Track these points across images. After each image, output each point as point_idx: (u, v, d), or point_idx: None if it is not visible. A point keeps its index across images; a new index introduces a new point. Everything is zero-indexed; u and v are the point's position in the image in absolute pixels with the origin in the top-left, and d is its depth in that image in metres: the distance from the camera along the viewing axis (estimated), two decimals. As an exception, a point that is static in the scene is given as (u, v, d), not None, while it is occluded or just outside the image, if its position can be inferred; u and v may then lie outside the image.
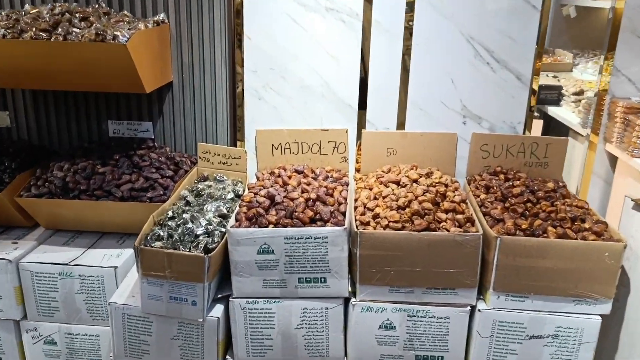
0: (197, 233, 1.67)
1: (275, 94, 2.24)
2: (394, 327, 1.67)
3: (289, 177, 1.90)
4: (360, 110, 2.23)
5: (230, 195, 1.95)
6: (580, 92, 2.93)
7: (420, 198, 1.72)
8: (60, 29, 1.81)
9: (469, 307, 1.65)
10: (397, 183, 1.85)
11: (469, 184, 1.96)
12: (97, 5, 2.11)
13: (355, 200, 1.81)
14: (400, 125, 2.24)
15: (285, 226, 1.63)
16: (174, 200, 1.90)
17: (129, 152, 2.12)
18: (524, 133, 2.20)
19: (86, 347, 1.95)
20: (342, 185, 1.88)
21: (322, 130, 2.02)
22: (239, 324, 1.69)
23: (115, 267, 1.85)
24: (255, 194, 1.80)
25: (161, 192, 1.97)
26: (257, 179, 1.97)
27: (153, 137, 2.34)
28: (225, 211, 1.81)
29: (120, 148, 2.17)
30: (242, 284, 1.66)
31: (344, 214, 1.71)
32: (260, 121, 2.25)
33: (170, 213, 1.79)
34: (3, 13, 1.95)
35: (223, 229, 1.70)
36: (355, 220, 1.68)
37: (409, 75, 2.18)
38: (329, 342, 1.71)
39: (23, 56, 1.82)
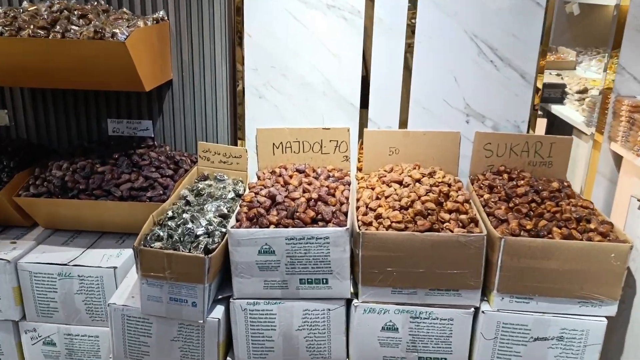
0: (197, 233, 1.65)
1: (276, 92, 2.22)
2: (397, 328, 1.65)
3: (290, 177, 1.88)
4: (362, 109, 2.21)
5: (231, 195, 1.93)
6: (584, 91, 2.90)
7: (423, 198, 1.70)
8: (58, 27, 1.79)
9: (472, 309, 1.63)
10: (400, 183, 1.83)
11: (472, 184, 1.94)
12: (95, 3, 2.09)
13: (357, 200, 1.79)
14: (403, 123, 2.22)
15: (286, 226, 1.61)
16: (173, 199, 1.89)
17: (128, 151, 2.10)
18: (527, 132, 2.18)
19: (85, 348, 1.93)
20: (344, 185, 1.86)
21: (323, 129, 2.00)
22: (239, 326, 1.67)
23: (115, 268, 1.83)
24: (256, 193, 1.78)
25: (161, 192, 1.95)
26: (258, 178, 1.95)
27: (153, 135, 2.32)
28: (225, 211, 1.79)
29: (120, 147, 2.15)
30: (242, 285, 1.64)
31: (345, 214, 1.69)
32: (261, 120, 2.24)
33: (170, 213, 1.78)
34: (0, 10, 1.94)
35: (223, 229, 1.68)
36: (358, 220, 1.66)
37: (411, 74, 2.16)
38: (331, 344, 1.69)
39: (21, 54, 1.80)
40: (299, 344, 1.69)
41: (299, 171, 1.93)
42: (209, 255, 1.55)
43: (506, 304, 1.61)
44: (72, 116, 2.34)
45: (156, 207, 1.79)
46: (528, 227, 1.62)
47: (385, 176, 1.89)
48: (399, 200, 1.70)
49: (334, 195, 1.76)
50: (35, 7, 1.95)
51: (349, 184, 1.89)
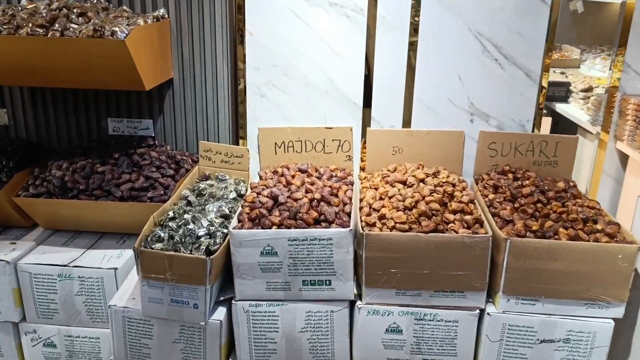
0: (199, 234, 1.63)
1: (278, 91, 2.20)
2: (401, 330, 1.63)
3: (293, 177, 1.85)
4: (365, 108, 2.19)
5: (233, 195, 1.91)
6: (589, 89, 2.88)
7: (427, 198, 1.68)
8: (57, 25, 1.78)
9: (477, 311, 1.61)
10: (404, 183, 1.81)
11: (477, 184, 1.92)
12: (95, 1, 2.07)
13: (361, 200, 1.77)
14: (406, 123, 2.20)
15: (289, 227, 1.59)
16: (174, 200, 1.87)
17: (128, 150, 2.08)
18: (532, 131, 2.16)
19: (86, 349, 1.91)
20: (347, 185, 1.84)
21: (326, 128, 1.98)
22: (242, 328, 1.65)
23: (115, 269, 1.81)
24: (258, 193, 1.76)
25: (162, 192, 1.93)
26: (260, 178, 1.93)
27: (153, 135, 2.30)
28: (227, 211, 1.77)
29: (120, 146, 2.13)
30: (245, 286, 1.62)
31: (349, 214, 1.67)
32: (262, 119, 2.22)
33: (171, 213, 1.76)
34: (-1, 8, 1.92)
35: (225, 230, 1.66)
36: (361, 221, 1.64)
37: (415, 72, 2.13)
38: (334, 346, 1.67)
39: (19, 53, 1.78)
40: (302, 346, 1.67)
41: (302, 171, 1.91)
42: (211, 257, 1.53)
43: (512, 305, 1.59)
44: (72, 115, 2.32)
45: (157, 208, 1.78)
46: (534, 227, 1.60)
47: (389, 176, 1.87)
48: (403, 201, 1.68)
49: (336, 196, 1.74)
50: (34, 4, 1.93)
51: (352, 184, 1.87)
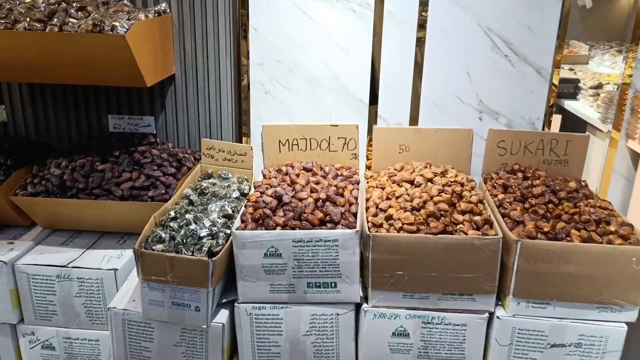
0: (201, 235, 1.59)
1: (283, 87, 2.15)
2: (408, 334, 1.59)
3: (297, 175, 1.81)
4: (371, 105, 2.14)
5: (236, 194, 1.87)
6: (599, 86, 2.83)
7: (435, 198, 1.64)
8: (55, 19, 1.73)
9: (487, 314, 1.57)
10: (411, 182, 1.77)
11: (485, 183, 1.87)
12: (95, -6, 2.03)
13: (367, 200, 1.73)
14: (413, 120, 2.15)
15: (293, 228, 1.55)
16: (176, 199, 1.83)
17: (129, 148, 2.04)
18: (542, 129, 2.11)
19: (85, 351, 1.88)
20: (353, 184, 1.79)
21: (331, 125, 1.94)
22: (244, 331, 1.61)
23: (115, 270, 1.77)
24: (262, 193, 1.72)
25: (163, 191, 1.89)
26: (264, 176, 1.89)
27: (155, 132, 2.26)
28: (230, 211, 1.73)
29: (121, 144, 2.10)
30: (248, 288, 1.58)
31: (355, 215, 1.63)
32: (266, 116, 2.18)
33: (172, 213, 1.72)
34: (-4, 2, 1.87)
35: (228, 231, 1.62)
36: (367, 222, 1.60)
37: (422, 69, 2.09)
38: (339, 350, 1.63)
39: (17, 48, 1.75)
40: (307, 350, 1.63)
41: (306, 169, 1.87)
42: (213, 259, 1.49)
43: (522, 309, 1.55)
44: (72, 112, 2.28)
45: (158, 207, 1.74)
46: (545, 229, 1.56)
47: (396, 175, 1.82)
48: (411, 201, 1.64)
49: (342, 195, 1.70)
50: (32, -1, 1.88)
51: (358, 183, 1.83)
